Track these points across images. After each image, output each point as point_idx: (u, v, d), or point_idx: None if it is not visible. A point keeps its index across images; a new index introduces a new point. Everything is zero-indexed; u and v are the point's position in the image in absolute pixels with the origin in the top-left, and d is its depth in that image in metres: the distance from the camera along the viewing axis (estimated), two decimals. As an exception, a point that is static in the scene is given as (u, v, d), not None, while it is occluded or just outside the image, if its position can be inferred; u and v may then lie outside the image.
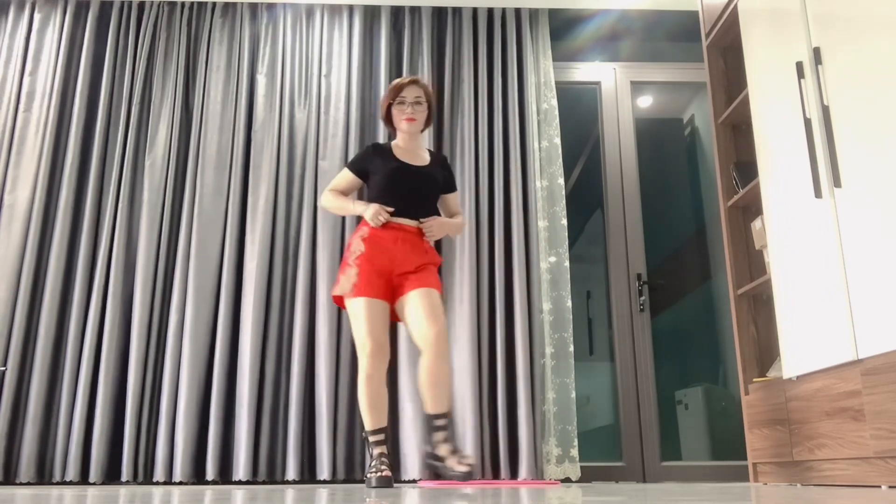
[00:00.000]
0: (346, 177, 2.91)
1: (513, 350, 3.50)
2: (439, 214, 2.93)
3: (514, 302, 3.53)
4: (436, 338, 2.60)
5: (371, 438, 2.65)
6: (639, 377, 3.68)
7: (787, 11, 2.60)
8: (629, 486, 2.88)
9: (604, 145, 4.02)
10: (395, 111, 2.86)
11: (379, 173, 2.81)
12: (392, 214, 2.76)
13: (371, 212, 2.71)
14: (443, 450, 2.58)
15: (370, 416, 2.64)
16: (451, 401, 2.63)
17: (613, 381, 3.75)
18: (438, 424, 2.61)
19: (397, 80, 2.85)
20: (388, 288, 2.74)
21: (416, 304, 2.66)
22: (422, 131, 2.93)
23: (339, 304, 2.82)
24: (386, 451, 2.64)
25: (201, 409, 3.42)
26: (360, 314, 2.65)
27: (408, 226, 2.78)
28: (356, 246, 2.74)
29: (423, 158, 2.90)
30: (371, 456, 2.65)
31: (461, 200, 3.71)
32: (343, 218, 3.68)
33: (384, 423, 2.67)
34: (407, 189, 2.80)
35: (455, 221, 2.91)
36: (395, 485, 2.64)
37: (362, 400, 2.64)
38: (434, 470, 2.61)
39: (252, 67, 3.92)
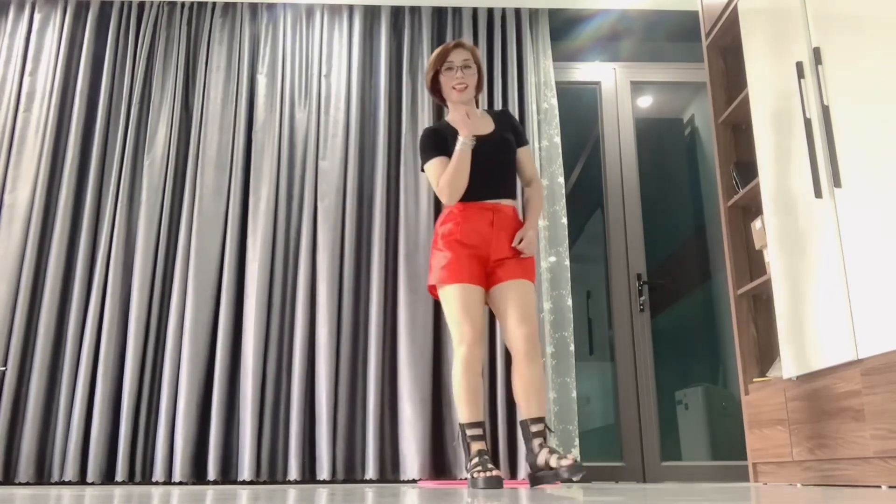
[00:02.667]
0: (442, 163, 2.60)
1: (513, 350, 3.50)
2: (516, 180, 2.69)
3: (514, 302, 3.53)
4: (525, 340, 2.41)
5: (468, 432, 2.43)
6: (639, 377, 3.68)
7: (787, 11, 2.60)
8: (629, 486, 2.88)
9: (604, 145, 4.02)
10: (443, 79, 2.63)
11: (452, 154, 2.55)
12: (480, 196, 2.55)
13: (462, 134, 2.49)
14: (542, 456, 2.33)
15: (467, 409, 2.43)
16: (545, 405, 2.41)
17: (613, 381, 3.75)
18: (535, 430, 2.38)
19: (441, 47, 2.63)
20: (482, 273, 2.53)
21: (508, 300, 2.46)
22: (475, 97, 2.71)
23: (432, 293, 2.64)
24: (486, 448, 2.43)
25: (201, 409, 3.42)
26: (455, 301, 2.45)
27: (501, 205, 2.56)
28: (446, 228, 2.54)
29: (488, 125, 2.65)
30: (468, 452, 2.44)
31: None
32: (343, 218, 3.68)
33: (481, 416, 2.46)
34: (487, 165, 2.55)
35: (536, 217, 2.64)
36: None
37: (458, 391, 2.43)
38: (543, 481, 2.33)
39: (252, 67, 3.92)
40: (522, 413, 2.42)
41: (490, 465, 2.34)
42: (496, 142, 2.60)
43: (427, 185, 3.70)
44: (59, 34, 3.93)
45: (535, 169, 2.75)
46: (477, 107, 2.75)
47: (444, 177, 2.53)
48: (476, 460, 2.38)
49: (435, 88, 2.69)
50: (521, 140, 2.71)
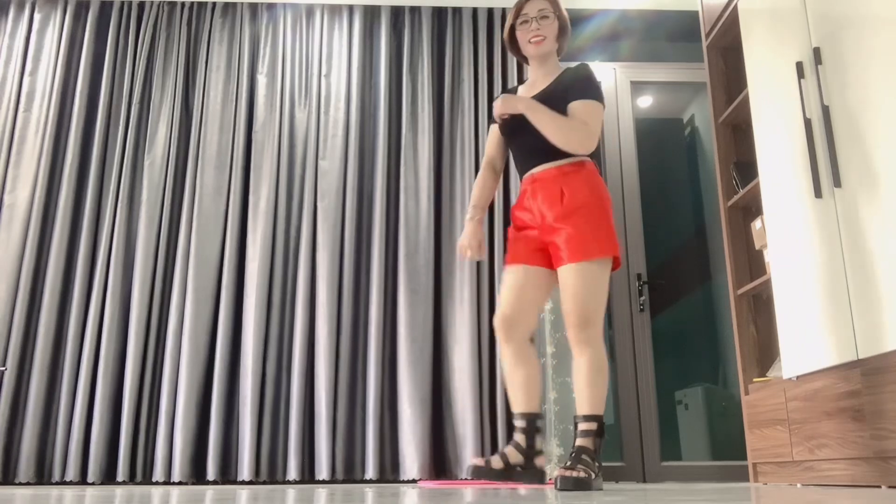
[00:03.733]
0: (491, 133, 2.49)
1: (513, 350, 3.49)
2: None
3: (514, 302, 3.53)
4: (571, 329, 2.18)
5: (515, 423, 2.27)
6: (639, 377, 3.68)
7: (787, 11, 2.60)
8: (629, 485, 2.88)
9: (604, 145, 4.02)
10: (519, 34, 2.38)
11: (510, 124, 2.34)
12: (526, 168, 2.33)
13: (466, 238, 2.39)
14: (574, 454, 2.12)
15: (510, 399, 2.27)
16: (602, 403, 2.17)
17: (613, 381, 3.75)
18: (581, 429, 2.15)
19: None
20: (535, 250, 2.29)
21: (562, 286, 2.20)
22: (558, 53, 2.44)
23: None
24: (520, 441, 2.22)
25: (201, 409, 3.42)
26: (504, 283, 2.30)
27: (540, 173, 2.28)
28: (513, 212, 2.39)
29: (546, 83, 2.37)
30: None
31: (462, 200, 3.71)
32: (343, 218, 3.68)
33: (520, 407, 2.24)
34: (515, 128, 2.32)
35: (547, 112, 2.23)
36: (527, 480, 2.23)
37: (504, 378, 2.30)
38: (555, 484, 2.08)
39: (252, 67, 3.92)
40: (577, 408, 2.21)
41: (503, 455, 2.19)
42: (539, 100, 2.30)
43: (427, 185, 3.70)
44: (59, 34, 3.93)
45: (584, 119, 2.23)
46: (559, 57, 2.46)
47: (476, 184, 2.48)
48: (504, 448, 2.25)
49: (513, 45, 2.44)
50: (577, 94, 2.26)
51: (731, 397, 3.78)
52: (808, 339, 2.45)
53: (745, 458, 3.63)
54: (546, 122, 2.22)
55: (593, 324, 2.18)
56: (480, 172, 2.50)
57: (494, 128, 2.49)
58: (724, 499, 1.49)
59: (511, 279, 2.28)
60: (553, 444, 3.46)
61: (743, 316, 3.02)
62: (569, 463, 2.06)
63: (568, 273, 2.17)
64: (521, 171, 2.36)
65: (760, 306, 3.05)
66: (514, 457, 2.20)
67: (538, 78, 2.39)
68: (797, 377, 2.56)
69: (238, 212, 3.66)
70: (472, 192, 2.47)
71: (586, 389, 2.16)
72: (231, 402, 3.45)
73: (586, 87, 2.28)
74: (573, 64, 2.42)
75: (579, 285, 2.16)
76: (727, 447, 3.68)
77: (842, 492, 1.88)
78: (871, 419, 2.13)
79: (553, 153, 2.27)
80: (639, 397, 3.65)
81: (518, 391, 2.25)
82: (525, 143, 2.32)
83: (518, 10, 2.38)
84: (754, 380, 2.93)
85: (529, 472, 2.20)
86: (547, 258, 2.29)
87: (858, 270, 2.17)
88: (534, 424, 2.25)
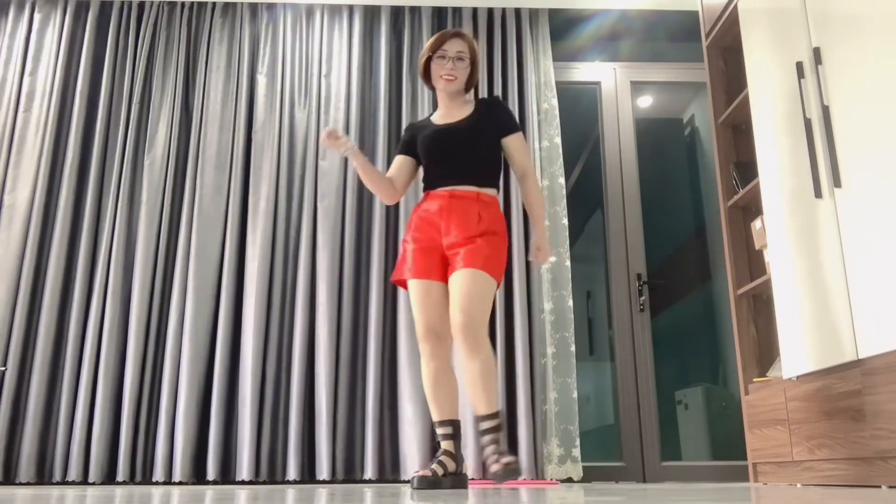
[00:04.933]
0: (396, 161, 2.64)
1: (513, 350, 3.50)
2: (495, 169, 2.53)
3: (513, 302, 3.53)
4: (459, 331, 2.29)
5: (437, 431, 2.41)
6: (639, 377, 3.68)
7: (787, 11, 2.60)
8: (629, 486, 2.88)
9: (604, 145, 4.02)
10: (434, 66, 2.53)
11: (419, 146, 2.56)
12: (440, 184, 2.48)
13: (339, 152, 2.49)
14: (486, 453, 2.29)
15: (431, 407, 2.40)
16: (495, 400, 2.31)
17: (613, 381, 3.75)
18: (483, 428, 2.30)
19: (438, 34, 2.54)
20: (441, 265, 2.45)
21: (451, 291, 2.36)
22: (466, 92, 2.62)
23: (402, 286, 2.58)
24: (451, 449, 2.36)
25: (201, 409, 3.42)
26: (413, 297, 2.42)
27: (460, 191, 2.44)
28: (411, 223, 2.52)
29: (464, 113, 2.55)
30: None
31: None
32: (343, 218, 3.68)
33: (448, 415, 2.39)
34: (446, 151, 2.48)
35: (541, 219, 2.55)
36: (458, 486, 2.35)
37: (424, 389, 2.42)
38: (493, 479, 2.27)
39: (252, 67, 3.92)
40: (473, 410, 2.41)
41: (433, 465, 2.31)
42: (461, 129, 2.49)
43: (427, 185, 3.70)
44: (59, 34, 3.93)
45: (526, 159, 2.56)
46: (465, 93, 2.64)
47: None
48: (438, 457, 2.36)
49: (426, 74, 2.59)
50: (504, 129, 2.54)
51: (731, 397, 3.78)
52: (808, 339, 2.45)
53: (745, 458, 3.63)
54: (542, 219, 2.57)
55: (480, 324, 2.30)
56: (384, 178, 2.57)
57: (404, 159, 2.62)
58: (724, 499, 1.49)
59: (424, 293, 2.41)
60: (553, 444, 3.46)
61: (743, 316, 3.02)
62: (496, 458, 2.23)
63: (464, 275, 2.33)
64: (436, 184, 2.50)
65: (760, 306, 3.05)
66: (451, 464, 2.35)
67: (451, 108, 2.58)
68: (797, 377, 2.56)
69: (238, 212, 3.66)
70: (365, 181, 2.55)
71: (483, 393, 2.30)
72: (231, 401, 3.45)
73: (511, 121, 2.57)
74: (483, 95, 2.69)
75: (473, 289, 2.31)
76: (727, 447, 3.68)
77: (842, 492, 1.88)
78: (871, 419, 2.13)
79: (476, 177, 2.47)
80: (639, 397, 3.65)
81: (445, 400, 2.39)
82: (453, 165, 2.48)
83: (439, 44, 2.52)
84: (754, 380, 2.93)
85: (460, 477, 2.36)
86: (444, 272, 2.45)
87: (858, 270, 2.17)
88: (459, 430, 2.43)
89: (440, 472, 2.30)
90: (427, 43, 2.58)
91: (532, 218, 2.57)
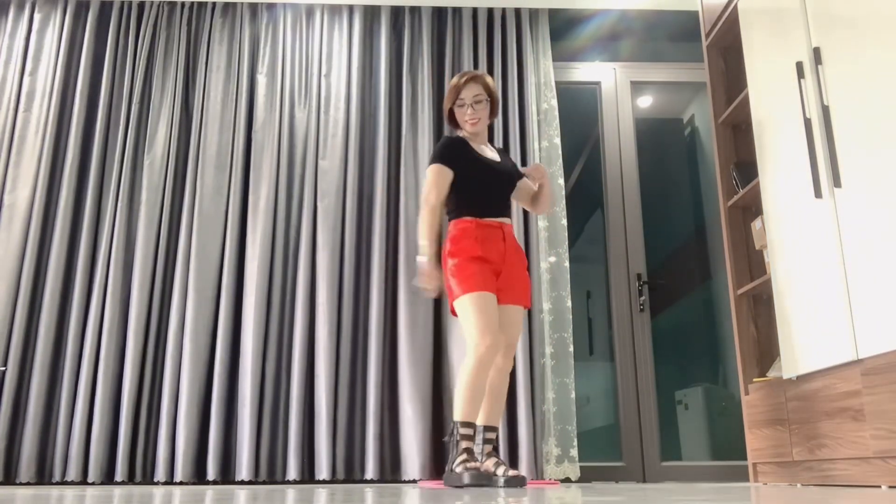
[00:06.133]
0: (446, 175, 2.71)
1: (513, 350, 3.50)
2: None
3: (514, 302, 3.53)
4: (510, 355, 2.66)
5: (464, 431, 2.52)
6: (639, 377, 3.68)
7: (787, 11, 2.60)
8: (629, 486, 2.88)
9: (604, 145, 4.02)
10: (457, 112, 2.79)
11: (465, 171, 2.70)
12: (486, 214, 2.70)
13: (425, 276, 2.61)
14: (490, 463, 2.52)
15: (470, 408, 2.50)
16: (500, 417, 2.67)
17: (613, 381, 3.75)
18: (489, 437, 2.61)
19: (455, 80, 2.76)
20: (494, 284, 2.64)
21: (511, 318, 2.68)
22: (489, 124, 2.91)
23: (454, 313, 2.69)
24: (473, 448, 2.56)
25: (201, 409, 3.42)
26: (480, 308, 2.52)
27: (506, 224, 2.74)
28: (467, 245, 2.62)
29: (495, 153, 2.85)
30: (456, 449, 2.54)
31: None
32: (343, 218, 3.68)
33: (478, 418, 2.63)
34: (497, 187, 2.74)
35: (549, 188, 2.89)
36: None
37: (467, 390, 2.48)
38: (480, 482, 2.40)
39: (252, 67, 3.92)
40: (483, 419, 2.62)
41: (476, 462, 2.49)
42: (505, 169, 2.78)
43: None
44: (59, 34, 3.93)
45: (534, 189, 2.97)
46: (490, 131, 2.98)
47: (427, 219, 2.66)
48: (464, 456, 2.48)
49: (451, 118, 2.85)
50: (519, 174, 2.90)
51: (731, 397, 3.78)
52: (808, 339, 2.45)
53: (745, 458, 3.63)
54: (550, 191, 2.90)
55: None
56: (433, 210, 2.67)
57: (449, 172, 2.71)
58: (724, 499, 1.49)
59: (492, 306, 2.57)
60: (551, 444, 3.46)
61: (743, 316, 3.02)
62: (505, 470, 2.46)
63: (520, 312, 2.72)
64: (486, 213, 2.70)
65: (760, 306, 3.05)
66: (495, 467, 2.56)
67: (480, 144, 2.82)
68: (797, 377, 2.56)
69: (238, 212, 3.66)
70: (426, 230, 2.66)
71: (501, 408, 2.67)
72: (231, 401, 3.45)
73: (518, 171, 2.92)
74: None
75: (520, 328, 2.71)
76: (727, 447, 3.68)
77: (842, 492, 1.88)
78: (871, 419, 2.13)
79: (508, 210, 2.79)
80: (639, 397, 3.65)
81: (481, 401, 2.55)
82: (503, 193, 2.76)
83: (456, 93, 2.77)
84: (754, 380, 2.93)
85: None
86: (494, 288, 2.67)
87: (858, 270, 2.17)
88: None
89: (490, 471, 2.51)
90: (448, 91, 2.79)
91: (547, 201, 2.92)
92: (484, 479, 2.37)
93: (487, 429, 2.60)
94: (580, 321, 3.89)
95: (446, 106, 2.81)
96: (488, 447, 2.57)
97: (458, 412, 2.49)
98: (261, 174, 3.70)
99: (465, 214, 2.69)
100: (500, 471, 2.45)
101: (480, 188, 2.72)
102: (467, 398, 2.48)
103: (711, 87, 3.30)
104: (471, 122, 2.76)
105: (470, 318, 2.52)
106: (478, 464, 2.46)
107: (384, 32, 3.96)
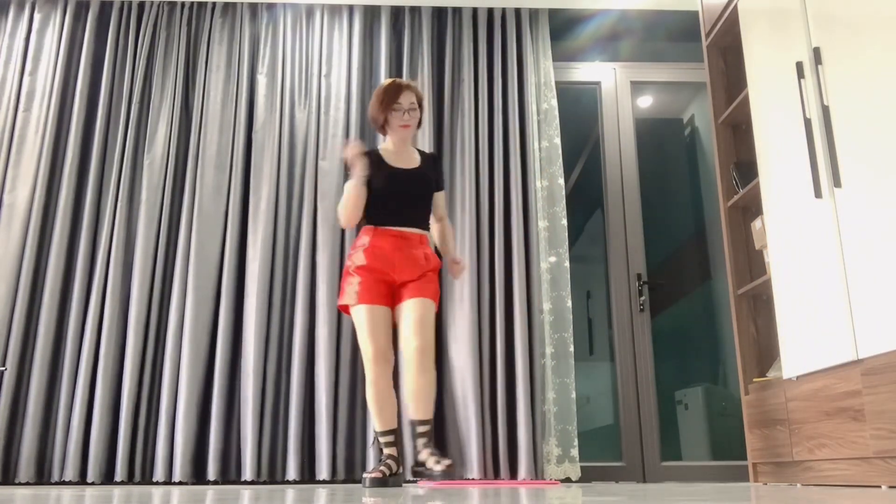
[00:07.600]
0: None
1: (512, 350, 3.50)
2: (430, 215, 2.97)
3: (513, 302, 3.53)
4: (417, 352, 2.69)
5: (381, 439, 2.76)
6: (639, 377, 3.68)
7: (787, 11, 2.60)
8: (629, 486, 2.88)
9: (604, 145, 4.02)
10: (390, 117, 2.88)
11: (374, 180, 2.83)
12: (391, 223, 2.83)
13: (356, 168, 2.77)
14: (424, 454, 2.66)
15: (378, 419, 2.74)
16: (432, 409, 2.75)
17: (613, 381, 3.75)
18: (420, 431, 2.71)
19: (388, 86, 2.84)
20: (389, 294, 2.81)
21: (406, 315, 2.75)
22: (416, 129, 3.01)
23: (345, 311, 2.88)
24: (395, 453, 2.75)
25: (201, 409, 3.42)
26: (363, 321, 2.74)
27: (408, 233, 2.84)
28: (357, 257, 2.79)
29: (415, 160, 2.93)
30: (381, 457, 2.78)
31: (462, 201, 3.71)
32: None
33: (393, 424, 2.76)
34: (403, 194, 2.85)
35: (453, 244, 3.07)
36: (397, 485, 2.70)
37: (370, 403, 2.74)
38: (420, 475, 2.68)
39: (252, 67, 3.92)
40: (410, 414, 2.73)
41: (382, 467, 2.67)
42: (416, 177, 2.88)
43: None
44: (59, 34, 3.93)
45: (446, 211, 3.10)
46: (413, 141, 3.08)
47: (341, 203, 2.82)
48: (378, 463, 2.73)
49: (379, 118, 2.90)
50: (440, 184, 3.00)
51: (731, 397, 3.78)
52: (808, 339, 2.45)
53: (745, 458, 3.63)
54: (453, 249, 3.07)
55: (431, 346, 2.73)
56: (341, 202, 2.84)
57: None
58: (724, 499, 1.49)
59: (377, 317, 2.74)
60: (552, 444, 3.46)
61: (743, 316, 3.02)
62: (436, 460, 2.57)
63: (417, 304, 2.75)
64: (385, 222, 2.82)
65: (760, 306, 3.05)
66: (394, 466, 2.73)
67: (402, 153, 2.92)
68: (797, 377, 2.56)
69: (238, 212, 3.66)
70: (344, 200, 2.81)
71: (426, 403, 2.71)
72: (231, 401, 3.45)
73: (443, 179, 3.11)
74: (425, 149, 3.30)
75: (425, 315, 2.74)
76: (727, 447, 3.68)
77: (842, 492, 1.88)
78: (871, 419, 2.13)
79: (421, 221, 2.88)
80: (639, 397, 3.65)
81: (389, 413, 2.73)
82: (405, 207, 2.84)
83: (395, 97, 2.84)
84: (754, 380, 2.93)
85: (399, 477, 2.73)
86: (391, 300, 2.81)
87: (858, 270, 2.17)
88: (400, 437, 2.91)
89: (388, 472, 2.67)
90: (381, 95, 2.85)
91: (449, 242, 3.03)
92: (376, 484, 2.62)
93: (417, 423, 2.70)
94: (580, 321, 3.89)
95: (382, 111, 2.86)
96: (422, 440, 2.68)
97: (374, 424, 2.75)
98: (261, 174, 3.70)
99: (368, 223, 2.85)
100: (432, 462, 2.58)
101: (385, 198, 2.84)
102: (375, 410, 2.72)
103: (711, 87, 3.30)
104: (403, 127, 2.86)
105: (357, 330, 2.76)
106: (378, 472, 2.64)
107: (384, 32, 3.96)
